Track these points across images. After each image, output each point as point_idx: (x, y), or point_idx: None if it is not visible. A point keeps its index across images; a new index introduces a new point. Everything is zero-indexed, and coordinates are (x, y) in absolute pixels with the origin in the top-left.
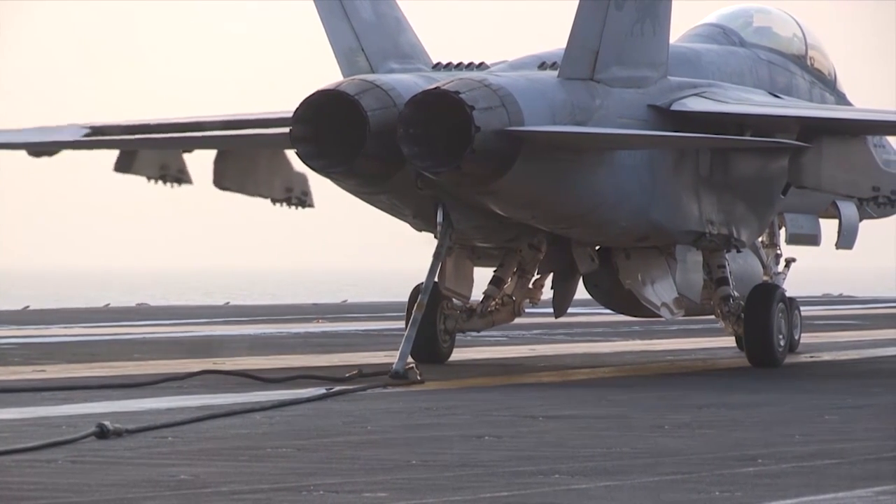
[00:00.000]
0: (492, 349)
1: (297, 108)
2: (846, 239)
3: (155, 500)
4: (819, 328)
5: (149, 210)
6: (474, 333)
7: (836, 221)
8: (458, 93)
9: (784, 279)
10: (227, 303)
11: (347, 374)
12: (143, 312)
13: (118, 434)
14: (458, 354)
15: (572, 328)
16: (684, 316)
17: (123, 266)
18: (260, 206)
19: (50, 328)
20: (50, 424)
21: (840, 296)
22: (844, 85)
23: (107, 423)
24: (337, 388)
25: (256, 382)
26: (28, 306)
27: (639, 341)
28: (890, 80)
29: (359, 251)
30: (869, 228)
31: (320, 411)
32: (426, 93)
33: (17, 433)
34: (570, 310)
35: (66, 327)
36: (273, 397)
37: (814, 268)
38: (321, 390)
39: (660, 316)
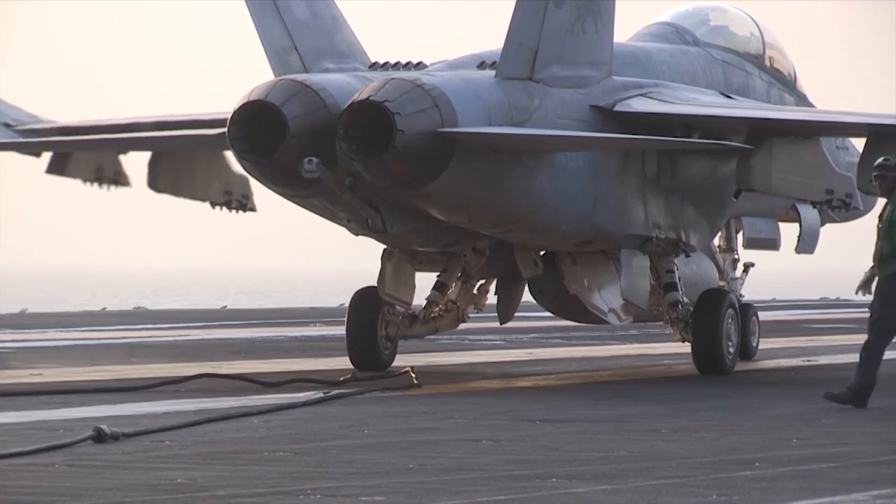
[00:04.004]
0: (488, 353)
1: (232, 115)
2: (806, 243)
3: None
4: (816, 332)
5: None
6: (417, 340)
7: (797, 225)
8: (384, 101)
9: (742, 284)
10: (224, 306)
11: (341, 378)
12: (140, 316)
13: (115, 438)
14: (454, 358)
15: (569, 331)
16: (633, 322)
17: (119, 267)
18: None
19: (47, 332)
20: (47, 428)
21: (837, 299)
22: (841, 85)
23: (104, 426)
24: (334, 391)
25: (254, 386)
26: (25, 309)
27: (636, 345)
28: (890, 80)
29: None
30: (868, 229)
31: (317, 415)
32: (358, 103)
33: (14, 437)
34: None
35: (63, 331)
36: (270, 401)
37: (812, 270)
38: (318, 394)
39: (607, 322)
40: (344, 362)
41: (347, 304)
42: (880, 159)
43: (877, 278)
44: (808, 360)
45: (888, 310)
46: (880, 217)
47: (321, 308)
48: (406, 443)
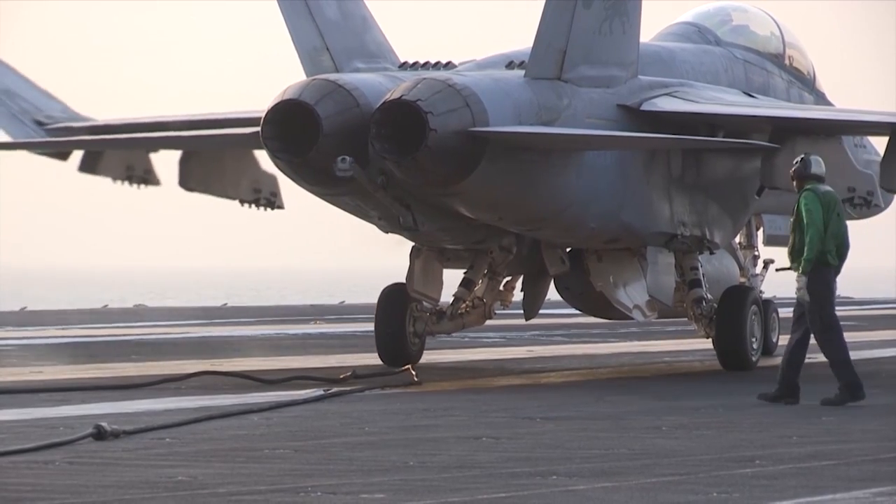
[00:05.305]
0: (489, 350)
1: (266, 113)
2: None
3: (152, 502)
4: None
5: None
6: (444, 336)
7: None
8: (417, 100)
9: (762, 281)
10: (225, 304)
11: (341, 376)
12: (140, 314)
13: (115, 435)
14: (455, 355)
15: (570, 329)
16: (657, 318)
17: (119, 265)
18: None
19: (47, 329)
20: (47, 425)
21: (838, 297)
22: (857, 84)
23: (104, 424)
24: (334, 389)
25: (254, 383)
26: (25, 307)
27: (637, 342)
28: (890, 80)
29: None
30: (870, 229)
31: (318, 412)
32: (391, 102)
33: (14, 434)
34: (567, 311)
35: (63, 328)
36: (270, 398)
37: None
38: (319, 391)
39: (632, 318)
40: (344, 359)
41: (377, 302)
42: (801, 155)
43: (796, 275)
44: (808, 358)
45: (819, 303)
46: (794, 210)
47: (321, 305)
48: (406, 440)
